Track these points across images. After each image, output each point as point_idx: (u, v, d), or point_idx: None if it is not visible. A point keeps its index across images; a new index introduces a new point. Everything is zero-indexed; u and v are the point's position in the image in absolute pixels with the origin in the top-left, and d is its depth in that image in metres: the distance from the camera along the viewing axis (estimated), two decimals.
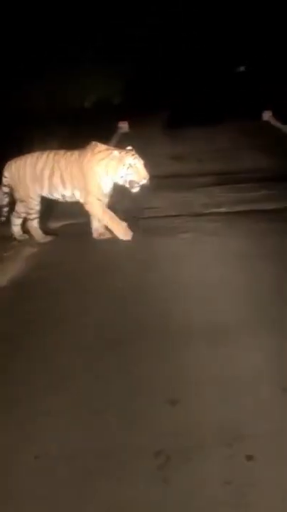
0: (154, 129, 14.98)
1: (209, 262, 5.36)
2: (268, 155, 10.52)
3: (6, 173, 6.59)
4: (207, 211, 7.04)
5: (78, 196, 6.34)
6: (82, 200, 6.32)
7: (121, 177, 6.08)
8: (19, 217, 6.60)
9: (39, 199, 6.49)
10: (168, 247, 5.87)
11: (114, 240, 6.14)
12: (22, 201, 6.50)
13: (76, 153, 6.36)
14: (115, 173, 6.10)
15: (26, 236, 6.58)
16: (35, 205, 6.50)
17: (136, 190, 6.10)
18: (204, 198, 7.75)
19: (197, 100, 18.08)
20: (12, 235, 6.60)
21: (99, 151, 6.22)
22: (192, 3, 20.57)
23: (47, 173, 6.37)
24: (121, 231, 6.18)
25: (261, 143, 12.00)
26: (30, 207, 6.48)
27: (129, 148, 6.17)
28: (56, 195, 6.44)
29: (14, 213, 6.61)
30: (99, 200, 6.23)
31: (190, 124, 14.68)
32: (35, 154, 6.54)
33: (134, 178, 6.03)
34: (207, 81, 20.15)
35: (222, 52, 20.51)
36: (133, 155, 6.07)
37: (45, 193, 6.47)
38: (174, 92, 19.47)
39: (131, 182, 6.06)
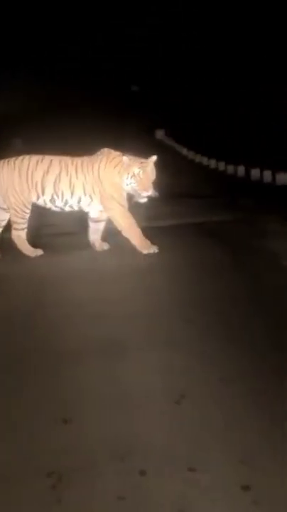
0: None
1: (107, 279, 5.37)
2: (166, 172, 10.73)
3: None
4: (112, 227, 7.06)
5: (85, 203, 6.07)
6: (99, 207, 6.07)
7: (127, 185, 5.92)
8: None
9: (30, 207, 6.10)
10: (70, 264, 5.83)
11: (11, 258, 6.01)
12: (10, 209, 6.06)
13: (86, 160, 6.10)
14: (122, 181, 5.93)
15: None
16: (27, 215, 6.10)
17: (142, 200, 5.95)
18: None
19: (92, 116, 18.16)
20: None
21: (114, 158, 6.03)
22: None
23: (51, 178, 6.02)
24: (144, 244, 5.98)
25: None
26: (20, 216, 6.07)
27: (153, 157, 5.96)
28: (58, 203, 6.07)
29: None
30: (121, 205, 6.01)
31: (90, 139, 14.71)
32: (34, 158, 6.12)
33: (137, 188, 5.88)
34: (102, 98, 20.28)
35: (117, 70, 20.71)
36: (141, 163, 5.89)
37: (43, 201, 6.08)
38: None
39: (135, 192, 5.91)
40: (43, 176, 6.03)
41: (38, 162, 6.08)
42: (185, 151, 14.27)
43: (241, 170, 13.89)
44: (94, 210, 6.17)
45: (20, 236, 6.10)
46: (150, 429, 2.96)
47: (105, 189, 6.00)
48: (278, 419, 3.00)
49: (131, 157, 5.96)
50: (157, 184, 5.98)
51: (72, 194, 6.05)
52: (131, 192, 5.96)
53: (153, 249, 5.95)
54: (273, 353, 3.75)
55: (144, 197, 5.92)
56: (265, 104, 13.56)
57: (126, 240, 6.00)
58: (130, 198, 6.04)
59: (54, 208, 6.17)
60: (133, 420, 3.03)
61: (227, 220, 7.45)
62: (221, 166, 14.83)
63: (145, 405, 3.17)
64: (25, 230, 6.13)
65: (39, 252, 6.12)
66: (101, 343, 3.95)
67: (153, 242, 6.03)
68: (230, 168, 14.49)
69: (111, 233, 6.24)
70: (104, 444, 2.85)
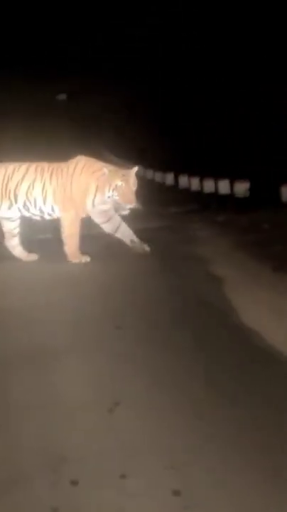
0: None
1: (38, 287, 5.33)
2: None
3: None
4: (37, 237, 7.00)
5: (58, 212, 5.96)
6: (60, 212, 5.97)
7: (108, 197, 5.78)
8: None
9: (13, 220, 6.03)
10: None
11: None
12: None
13: (63, 166, 5.97)
14: (103, 193, 5.78)
15: None
16: (11, 225, 6.06)
17: (124, 213, 5.82)
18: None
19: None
20: None
21: (92, 163, 5.92)
22: None
23: (24, 187, 5.89)
24: (76, 254, 5.91)
25: None
26: (6, 228, 6.05)
27: (135, 168, 5.86)
28: (32, 211, 5.97)
29: None
30: (77, 213, 5.88)
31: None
32: (11, 166, 6.03)
33: (120, 201, 5.75)
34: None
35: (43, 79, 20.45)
36: (122, 176, 5.74)
37: (17, 209, 5.97)
38: None
39: (117, 204, 5.77)
40: (17, 184, 5.94)
41: (14, 170, 6.00)
42: (114, 160, 14.32)
43: (169, 178, 14.05)
44: None
45: None
46: (82, 438, 2.95)
47: (72, 190, 5.89)
48: (209, 422, 3.05)
49: (111, 168, 5.86)
50: None
51: (44, 201, 5.95)
52: (113, 204, 5.87)
53: (85, 259, 5.91)
54: (201, 356, 3.81)
55: (127, 209, 5.84)
56: (194, 114, 13.79)
57: (59, 249, 5.97)
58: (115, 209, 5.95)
59: (34, 217, 6.09)
60: (65, 429, 3.02)
61: (156, 227, 7.52)
62: (150, 174, 14.96)
63: (77, 414, 3.16)
64: None
65: None
66: (31, 351, 3.91)
67: (83, 251, 6.02)
68: (158, 176, 14.65)
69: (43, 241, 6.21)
70: (35, 454, 2.82)
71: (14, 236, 6.17)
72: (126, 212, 5.92)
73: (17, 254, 6.19)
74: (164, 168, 14.24)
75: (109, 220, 6.08)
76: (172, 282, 5.38)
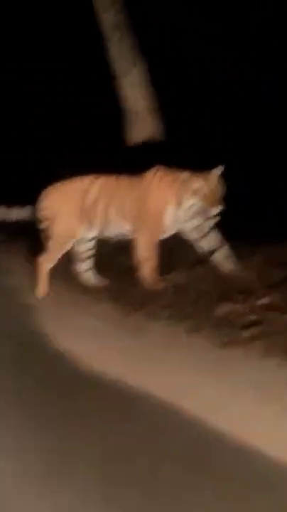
0: None
1: None
2: None
3: (43, 205, 5.43)
4: None
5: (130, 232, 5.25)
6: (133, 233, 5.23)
7: (189, 207, 4.97)
8: None
9: (71, 243, 5.37)
10: None
11: None
12: (52, 235, 5.40)
13: (136, 179, 5.24)
14: (182, 204, 4.99)
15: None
16: (64, 249, 5.40)
17: (209, 223, 5.03)
18: None
19: None
20: None
21: (169, 176, 5.10)
22: None
23: (101, 204, 5.21)
24: (152, 282, 5.12)
25: None
26: (57, 247, 5.37)
27: (218, 169, 4.95)
28: (114, 231, 5.32)
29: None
30: (151, 234, 5.10)
31: None
32: (86, 179, 5.33)
33: (203, 205, 4.90)
34: None
35: None
36: (203, 177, 4.93)
37: (96, 232, 5.32)
38: None
39: (201, 212, 4.94)
40: (95, 201, 5.28)
41: (90, 184, 5.34)
42: None
43: None
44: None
45: (43, 265, 5.50)
46: None
47: (146, 207, 5.13)
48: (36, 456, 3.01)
49: (188, 173, 5.06)
50: None
51: (123, 221, 5.27)
52: (195, 215, 5.04)
53: (161, 287, 5.16)
54: (20, 387, 3.78)
55: (212, 216, 4.99)
56: None
57: None
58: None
59: (113, 238, 5.45)
60: None
61: None
62: None
63: None
64: (52, 264, 5.49)
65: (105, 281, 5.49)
66: None
67: None
68: None
69: None
70: None
71: (83, 260, 5.51)
72: (211, 223, 5.09)
73: (84, 280, 5.54)
74: None
75: (205, 236, 5.22)
76: None
